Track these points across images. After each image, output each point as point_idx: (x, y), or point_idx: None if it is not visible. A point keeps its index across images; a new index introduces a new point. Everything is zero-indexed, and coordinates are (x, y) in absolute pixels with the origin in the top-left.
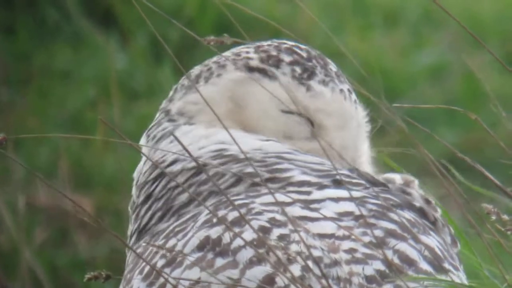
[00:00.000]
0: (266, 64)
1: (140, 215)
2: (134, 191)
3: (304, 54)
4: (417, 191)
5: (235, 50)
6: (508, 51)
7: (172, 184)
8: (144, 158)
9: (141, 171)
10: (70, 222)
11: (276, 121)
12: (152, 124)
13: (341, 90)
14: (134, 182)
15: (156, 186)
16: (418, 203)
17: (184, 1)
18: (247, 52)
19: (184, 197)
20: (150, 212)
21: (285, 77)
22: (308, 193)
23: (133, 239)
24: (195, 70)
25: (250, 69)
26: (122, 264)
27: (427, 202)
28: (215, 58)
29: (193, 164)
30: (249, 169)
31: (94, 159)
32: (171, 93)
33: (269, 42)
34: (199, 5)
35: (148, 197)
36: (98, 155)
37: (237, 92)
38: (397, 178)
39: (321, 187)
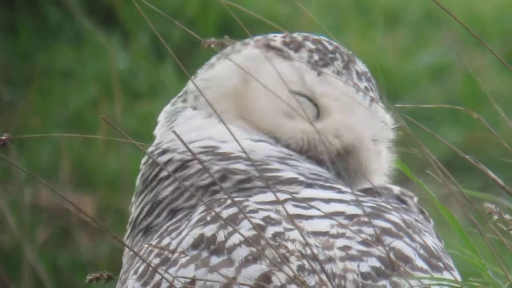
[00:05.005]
0: (286, 46)
1: (135, 205)
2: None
3: (330, 47)
4: (412, 201)
5: (269, 34)
6: (509, 51)
7: (163, 174)
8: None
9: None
10: (72, 222)
11: (278, 101)
12: (173, 100)
13: (355, 84)
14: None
15: (150, 174)
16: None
17: (185, 1)
18: (275, 36)
19: (169, 190)
20: (142, 203)
21: (300, 61)
22: (297, 192)
23: (128, 231)
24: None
25: (268, 48)
26: None
27: (422, 212)
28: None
29: (181, 156)
30: (235, 166)
31: (96, 158)
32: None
33: (305, 34)
34: (200, 5)
35: (144, 185)
36: (100, 154)
37: (247, 68)
38: (395, 188)
39: (308, 185)
